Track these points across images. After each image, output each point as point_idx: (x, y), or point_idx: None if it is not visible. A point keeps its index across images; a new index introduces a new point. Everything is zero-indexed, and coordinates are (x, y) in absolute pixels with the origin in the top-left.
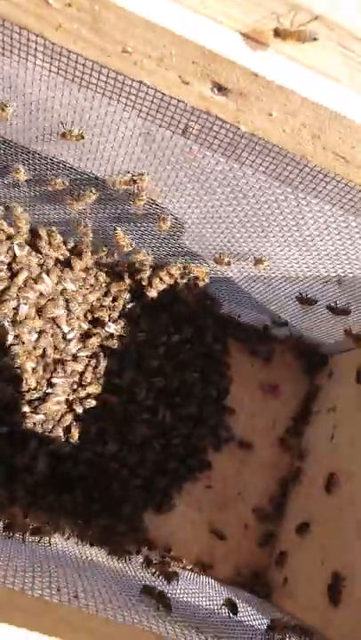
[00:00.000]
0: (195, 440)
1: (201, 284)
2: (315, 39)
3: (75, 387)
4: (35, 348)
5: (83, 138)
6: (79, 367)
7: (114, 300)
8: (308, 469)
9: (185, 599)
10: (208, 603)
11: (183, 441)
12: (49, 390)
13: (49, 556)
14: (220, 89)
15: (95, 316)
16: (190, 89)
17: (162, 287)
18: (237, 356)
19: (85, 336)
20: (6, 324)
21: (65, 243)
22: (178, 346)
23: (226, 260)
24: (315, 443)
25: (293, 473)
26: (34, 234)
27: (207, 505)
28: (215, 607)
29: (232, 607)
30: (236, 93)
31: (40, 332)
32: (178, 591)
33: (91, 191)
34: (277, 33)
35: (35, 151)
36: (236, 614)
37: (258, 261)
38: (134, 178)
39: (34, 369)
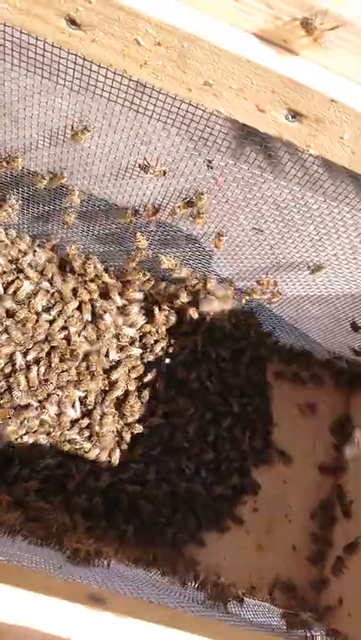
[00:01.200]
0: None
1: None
2: None
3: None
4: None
5: (165, 174)
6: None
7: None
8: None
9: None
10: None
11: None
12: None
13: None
14: (295, 115)
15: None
16: (266, 116)
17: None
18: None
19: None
20: None
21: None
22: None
23: (272, 282)
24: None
25: (337, 491)
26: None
27: (254, 528)
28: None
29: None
30: (311, 119)
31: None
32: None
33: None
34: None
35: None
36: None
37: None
38: (193, 200)
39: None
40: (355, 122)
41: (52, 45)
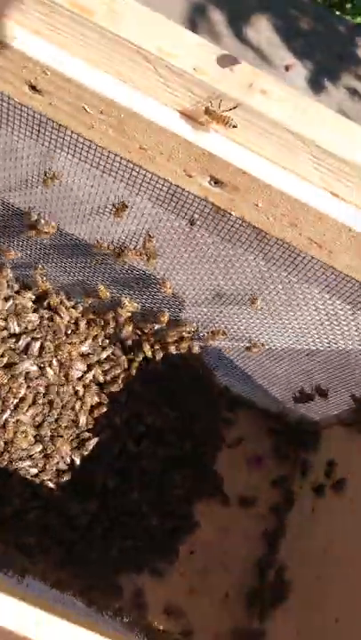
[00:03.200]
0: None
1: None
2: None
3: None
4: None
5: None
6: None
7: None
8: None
9: None
10: None
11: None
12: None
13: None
14: (217, 182)
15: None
16: (193, 180)
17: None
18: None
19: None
20: None
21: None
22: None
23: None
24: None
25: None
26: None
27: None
28: None
29: None
30: (230, 186)
31: None
32: None
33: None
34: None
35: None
36: None
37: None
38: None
39: None
40: (263, 191)
41: (18, 103)
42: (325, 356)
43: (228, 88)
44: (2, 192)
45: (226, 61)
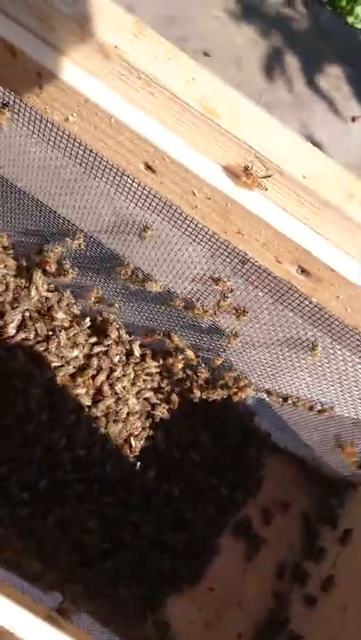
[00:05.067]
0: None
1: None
2: None
3: None
4: None
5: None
6: None
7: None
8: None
9: None
10: None
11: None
12: None
13: None
14: (303, 271)
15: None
16: (281, 266)
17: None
18: None
19: None
20: None
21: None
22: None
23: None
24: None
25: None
26: None
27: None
28: None
29: None
30: (315, 278)
31: None
32: None
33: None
34: None
35: None
36: None
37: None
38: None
39: None
40: (346, 287)
41: (129, 177)
42: None
43: (330, 195)
44: (100, 234)
45: (332, 171)
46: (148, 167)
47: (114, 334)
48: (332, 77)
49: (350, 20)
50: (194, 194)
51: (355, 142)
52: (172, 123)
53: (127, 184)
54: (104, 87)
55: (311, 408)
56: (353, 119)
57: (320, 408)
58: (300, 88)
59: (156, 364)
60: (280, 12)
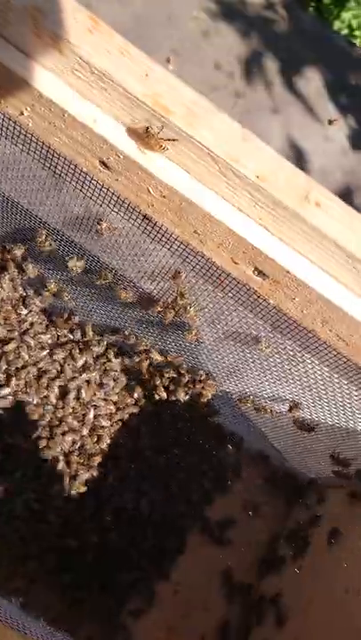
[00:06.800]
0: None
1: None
2: None
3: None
4: None
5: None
6: None
7: None
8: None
9: None
10: None
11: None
12: None
13: None
14: (260, 273)
15: None
16: (238, 267)
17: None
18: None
19: None
20: None
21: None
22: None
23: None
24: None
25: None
26: None
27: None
28: None
29: None
30: (271, 279)
31: None
32: None
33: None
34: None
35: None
36: None
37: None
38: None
39: None
40: (303, 291)
41: (85, 174)
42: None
43: (285, 197)
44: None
45: (287, 171)
46: (103, 164)
47: (80, 333)
48: (311, 80)
49: (337, 25)
50: (149, 192)
51: (332, 145)
52: (125, 119)
53: (87, 180)
54: (58, 82)
55: (271, 411)
56: (330, 122)
57: (286, 408)
58: (279, 90)
59: (120, 363)
60: (260, 15)
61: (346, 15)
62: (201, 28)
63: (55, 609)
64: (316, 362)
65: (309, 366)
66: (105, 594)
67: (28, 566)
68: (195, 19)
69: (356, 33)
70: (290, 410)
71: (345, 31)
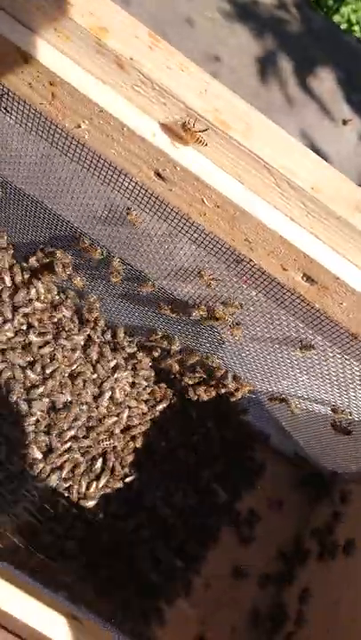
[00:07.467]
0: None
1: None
2: None
3: None
4: None
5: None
6: None
7: None
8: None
9: None
10: None
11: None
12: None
13: None
14: (308, 279)
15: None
16: (286, 273)
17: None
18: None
19: None
20: None
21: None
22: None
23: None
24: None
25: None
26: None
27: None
28: None
29: None
30: (320, 285)
31: None
32: None
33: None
34: None
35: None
36: None
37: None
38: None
39: None
40: (351, 297)
41: (140, 186)
42: None
43: (338, 207)
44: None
45: (340, 182)
46: (158, 175)
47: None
48: (325, 80)
49: (336, 19)
50: (203, 202)
51: (346, 145)
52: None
53: (129, 186)
54: (117, 97)
55: (303, 411)
56: (344, 122)
57: (319, 409)
58: (293, 91)
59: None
60: (273, 15)
61: (345, 10)
62: (216, 29)
63: (93, 605)
64: (356, 363)
65: (348, 368)
66: (139, 590)
67: (69, 564)
68: (210, 20)
69: (355, 27)
70: (333, 411)
71: (344, 25)
